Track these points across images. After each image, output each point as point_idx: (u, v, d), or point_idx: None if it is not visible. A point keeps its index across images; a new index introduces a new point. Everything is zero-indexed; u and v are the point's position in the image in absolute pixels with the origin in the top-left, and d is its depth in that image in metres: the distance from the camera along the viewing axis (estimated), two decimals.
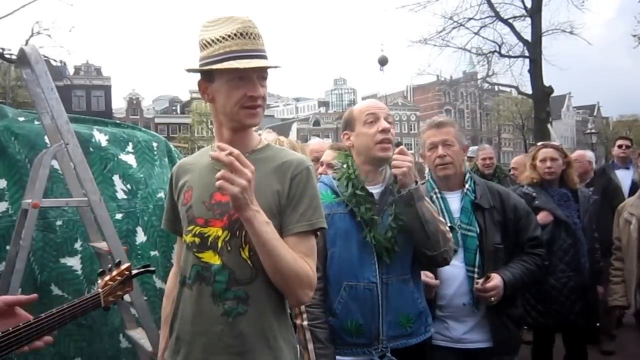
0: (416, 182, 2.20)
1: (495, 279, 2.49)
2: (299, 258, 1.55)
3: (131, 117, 54.42)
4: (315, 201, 1.63)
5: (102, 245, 2.62)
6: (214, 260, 1.61)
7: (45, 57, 15.10)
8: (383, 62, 18.29)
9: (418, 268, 2.34)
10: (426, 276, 2.46)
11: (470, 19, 16.94)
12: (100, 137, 3.25)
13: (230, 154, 1.45)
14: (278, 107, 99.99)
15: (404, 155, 2.19)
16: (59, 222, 2.91)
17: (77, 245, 2.94)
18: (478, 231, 2.59)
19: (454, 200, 2.68)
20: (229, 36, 1.57)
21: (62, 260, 2.89)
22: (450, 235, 2.30)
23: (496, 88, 36.06)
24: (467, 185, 2.67)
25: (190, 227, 1.68)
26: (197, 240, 1.65)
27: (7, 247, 2.63)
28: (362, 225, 2.18)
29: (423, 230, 2.17)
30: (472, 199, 2.64)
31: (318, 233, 1.68)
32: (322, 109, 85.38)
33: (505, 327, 2.60)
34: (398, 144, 2.33)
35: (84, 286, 2.92)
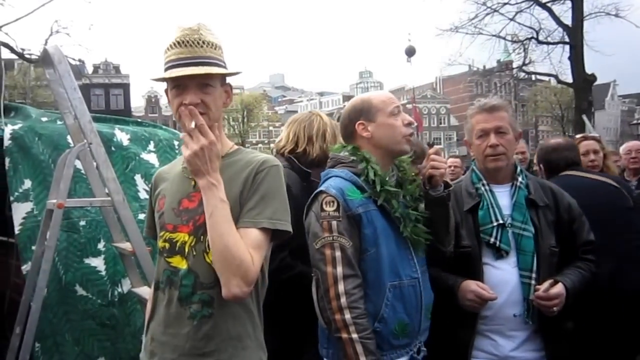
0: (446, 184, 2.23)
1: (560, 286, 2.28)
2: (242, 246, 1.60)
3: (150, 115, 55.34)
4: (267, 200, 1.69)
5: (126, 245, 2.73)
6: (181, 265, 1.72)
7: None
8: (410, 52, 18.12)
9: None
10: (480, 287, 2.29)
11: (505, 3, 16.62)
12: (122, 136, 3.38)
13: (192, 120, 1.59)
14: (302, 102, 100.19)
15: (441, 157, 2.21)
16: (82, 223, 3.04)
17: (101, 245, 3.07)
18: (534, 231, 2.39)
19: (504, 195, 2.48)
20: (170, 46, 1.70)
21: (86, 261, 3.02)
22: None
23: (533, 77, 35.50)
24: (519, 179, 2.48)
25: (162, 233, 1.80)
26: (167, 245, 1.77)
27: (33, 247, 2.78)
28: (395, 221, 2.13)
29: (447, 227, 2.22)
30: (526, 194, 2.44)
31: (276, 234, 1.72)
32: (347, 104, 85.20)
33: (561, 343, 2.38)
34: (432, 144, 2.38)
35: (107, 287, 3.05)
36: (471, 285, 2.29)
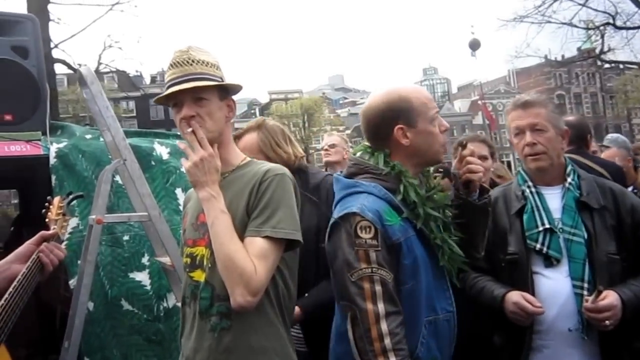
0: (482, 187, 2.12)
1: (611, 297, 2.14)
2: (245, 255, 1.70)
3: None
4: (271, 209, 1.77)
5: (167, 259, 2.90)
6: (201, 278, 1.85)
7: (118, 70, 16.36)
8: (475, 46, 17.71)
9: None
10: (524, 298, 2.22)
11: None
12: (162, 150, 3.59)
13: (194, 132, 1.78)
14: (364, 102, 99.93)
15: (476, 159, 2.11)
16: (126, 237, 3.26)
17: (145, 260, 3.28)
18: (586, 236, 2.28)
19: (553, 197, 2.39)
20: (168, 68, 1.89)
21: (131, 275, 3.23)
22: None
23: (621, 65, 33.83)
24: (569, 179, 2.38)
25: (184, 249, 1.97)
26: (188, 260, 1.93)
27: (79, 262, 3.01)
28: (432, 248, 1.97)
29: (484, 234, 2.13)
30: (577, 196, 2.34)
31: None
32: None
33: None
34: (465, 144, 2.13)
35: (153, 301, 3.24)
36: (514, 296, 2.23)
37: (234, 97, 1.98)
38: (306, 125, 57.88)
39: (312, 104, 59.02)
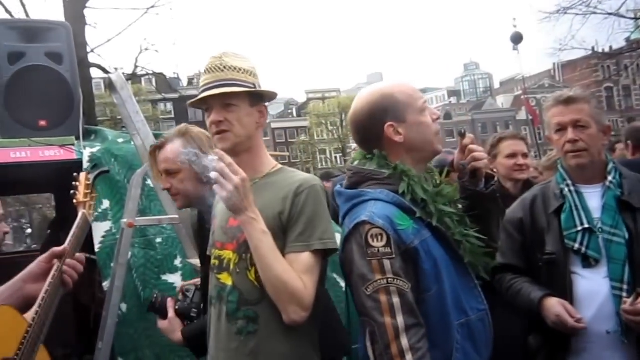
0: (488, 175, 2.06)
1: None
2: (292, 273, 1.76)
3: None
4: (314, 222, 1.82)
5: (197, 261, 2.95)
6: (228, 281, 1.90)
7: (155, 72, 16.69)
8: (517, 39, 17.26)
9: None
10: (565, 308, 2.17)
11: None
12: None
13: (220, 159, 1.76)
14: None
15: (478, 146, 2.04)
16: (158, 240, 3.34)
17: (177, 262, 3.35)
18: (627, 236, 2.24)
19: (593, 196, 2.35)
20: (203, 73, 1.96)
21: (164, 277, 3.31)
22: None
23: None
24: (609, 178, 2.33)
25: (213, 251, 2.02)
26: (216, 262, 1.98)
27: (112, 264, 3.10)
28: (452, 245, 1.90)
29: (497, 223, 2.10)
30: (618, 195, 2.29)
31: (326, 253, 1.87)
32: (453, 99, 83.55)
33: None
34: (464, 134, 2.08)
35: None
36: (556, 306, 2.18)
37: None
38: (344, 124, 57.85)
39: (349, 102, 58.39)
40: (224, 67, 1.91)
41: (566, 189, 2.37)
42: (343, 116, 57.48)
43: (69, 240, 2.02)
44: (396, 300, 1.70)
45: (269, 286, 1.77)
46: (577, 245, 2.26)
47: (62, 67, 3.43)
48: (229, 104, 1.90)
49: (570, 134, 2.30)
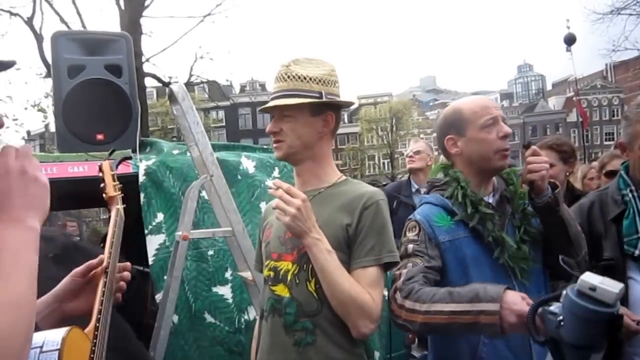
0: (554, 185, 2.09)
1: None
2: (359, 288, 1.78)
3: None
4: (383, 236, 1.85)
5: (247, 274, 2.96)
6: (284, 293, 1.91)
7: (209, 80, 16.92)
8: (570, 41, 16.86)
9: (548, 282, 2.22)
10: (627, 315, 2.17)
11: None
12: (248, 163, 3.67)
13: (278, 187, 1.81)
14: None
15: (539, 157, 2.08)
16: (210, 252, 3.36)
17: (228, 274, 3.36)
18: None
19: None
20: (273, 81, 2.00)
21: (214, 289, 3.32)
22: (584, 235, 2.19)
23: None
24: None
25: (267, 262, 2.02)
26: (271, 274, 1.98)
27: (165, 277, 3.13)
28: (490, 246, 2.06)
29: (566, 235, 2.10)
30: None
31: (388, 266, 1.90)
32: (506, 102, 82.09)
33: None
34: (528, 145, 2.14)
35: (234, 314, 3.33)
36: None
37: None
38: (394, 129, 57.51)
39: (401, 107, 58.54)
40: (289, 77, 1.93)
41: (629, 195, 2.38)
42: (394, 121, 57.17)
43: (108, 251, 1.78)
44: (404, 271, 1.95)
45: (337, 303, 1.80)
46: (637, 252, 2.29)
47: (121, 80, 3.47)
48: (286, 115, 1.93)
49: None
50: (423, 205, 2.17)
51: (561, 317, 1.52)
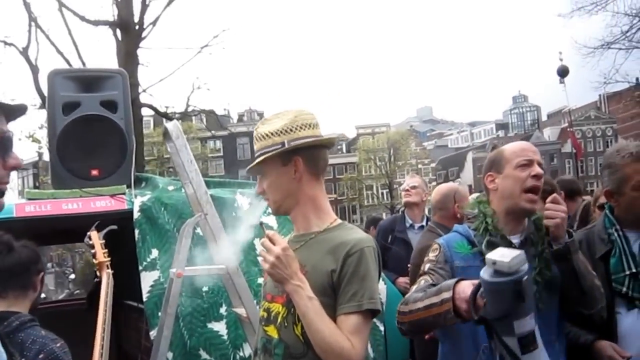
0: (570, 234, 2.18)
1: None
2: (339, 334, 1.80)
3: None
4: (366, 283, 1.86)
5: (242, 311, 2.94)
6: (274, 334, 1.96)
7: (205, 110, 16.98)
8: (563, 73, 17.16)
9: (563, 328, 2.29)
10: (613, 348, 2.31)
11: None
12: (243, 200, 3.68)
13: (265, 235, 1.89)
14: (452, 135, 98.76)
15: (557, 205, 2.18)
16: (205, 288, 3.34)
17: (223, 310, 3.35)
18: None
19: (636, 241, 2.49)
20: None
21: (209, 325, 3.30)
22: (602, 290, 2.24)
23: None
24: None
25: (262, 302, 2.10)
26: (265, 314, 2.04)
27: (160, 314, 3.10)
28: None
29: (578, 286, 2.15)
30: None
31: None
32: (501, 132, 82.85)
33: None
34: (551, 192, 2.31)
35: (229, 351, 3.30)
36: (608, 349, 2.30)
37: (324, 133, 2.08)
38: (392, 159, 57.65)
39: (398, 137, 58.79)
40: (257, 139, 2.03)
41: (615, 235, 2.49)
42: (391, 151, 57.35)
43: (102, 313, 2.07)
44: (415, 286, 2.19)
45: (317, 348, 1.81)
46: (624, 289, 2.40)
47: (116, 115, 3.49)
48: (264, 174, 2.03)
49: None
50: (451, 232, 2.41)
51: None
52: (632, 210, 2.45)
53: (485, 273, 1.67)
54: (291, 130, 1.98)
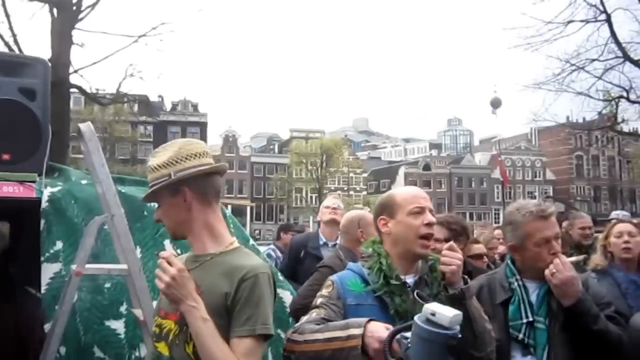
0: (465, 280, 2.31)
1: None
2: (232, 357, 1.83)
3: (226, 154, 57.54)
4: (259, 308, 1.91)
5: (139, 313, 2.97)
6: (165, 351, 1.98)
7: (139, 96, 16.56)
8: (496, 104, 18.05)
9: None
10: None
11: (593, 60, 16.17)
12: None
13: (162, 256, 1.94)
14: (385, 148, 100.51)
15: (454, 252, 2.30)
16: (107, 285, 3.35)
17: (122, 308, 3.36)
18: (547, 324, 2.56)
19: (535, 290, 2.66)
20: None
21: (107, 323, 3.31)
22: (493, 334, 2.36)
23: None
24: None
25: (155, 318, 2.11)
26: (157, 330, 2.06)
27: (57, 307, 3.09)
28: (394, 318, 2.20)
29: (471, 330, 2.23)
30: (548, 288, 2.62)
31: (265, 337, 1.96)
32: (434, 152, 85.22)
33: None
34: (447, 240, 2.44)
35: (125, 350, 3.31)
36: None
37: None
38: (324, 165, 58.10)
39: (332, 144, 59.39)
40: (148, 171, 2.10)
41: (515, 284, 2.66)
42: (324, 157, 57.83)
43: None
44: (306, 317, 2.24)
45: None
46: (520, 336, 2.55)
47: (34, 104, 3.41)
48: (158, 204, 2.10)
49: (556, 247, 2.59)
50: (345, 272, 2.45)
51: (409, 340, 1.77)
52: (534, 264, 2.62)
53: (419, 320, 1.72)
54: (177, 162, 2.04)
